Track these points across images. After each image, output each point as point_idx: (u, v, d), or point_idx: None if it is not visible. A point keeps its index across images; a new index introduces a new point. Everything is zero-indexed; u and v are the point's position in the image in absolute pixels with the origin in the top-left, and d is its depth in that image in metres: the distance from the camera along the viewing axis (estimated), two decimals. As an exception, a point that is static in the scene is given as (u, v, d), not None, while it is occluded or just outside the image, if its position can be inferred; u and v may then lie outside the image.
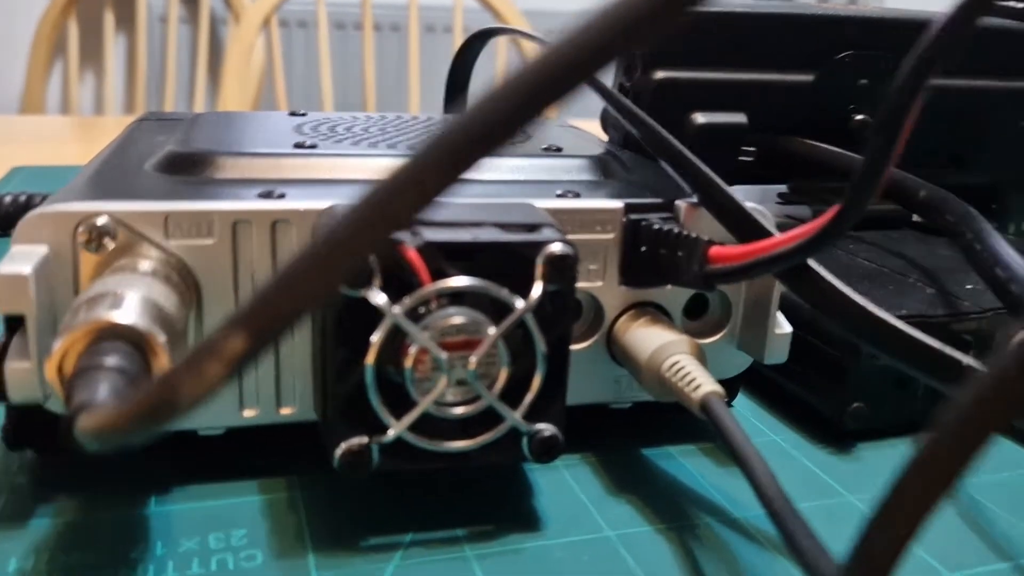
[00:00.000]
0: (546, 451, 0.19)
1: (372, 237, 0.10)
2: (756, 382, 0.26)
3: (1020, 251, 0.24)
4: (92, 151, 0.26)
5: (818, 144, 0.32)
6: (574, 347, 0.22)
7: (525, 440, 0.19)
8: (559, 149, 0.25)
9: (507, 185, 0.22)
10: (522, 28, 0.32)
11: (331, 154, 0.23)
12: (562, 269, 0.18)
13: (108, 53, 1.37)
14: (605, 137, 0.33)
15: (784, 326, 0.22)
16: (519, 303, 0.18)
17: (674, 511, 0.20)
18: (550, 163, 0.24)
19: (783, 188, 0.36)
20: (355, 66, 1.36)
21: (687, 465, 0.23)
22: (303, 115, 0.29)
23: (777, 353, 0.22)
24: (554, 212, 0.20)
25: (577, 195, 0.21)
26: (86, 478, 0.20)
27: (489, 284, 0.17)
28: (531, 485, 0.21)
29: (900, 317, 0.21)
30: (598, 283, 0.21)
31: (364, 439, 0.18)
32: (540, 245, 0.18)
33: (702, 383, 0.19)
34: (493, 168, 0.23)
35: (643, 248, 0.21)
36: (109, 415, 0.13)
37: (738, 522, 0.20)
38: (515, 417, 0.18)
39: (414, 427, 0.18)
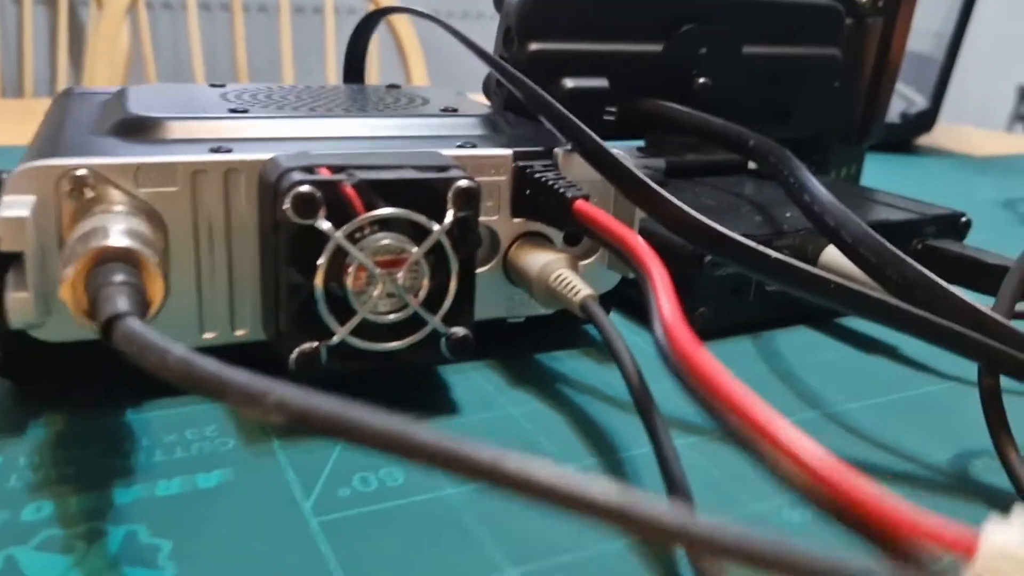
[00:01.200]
0: (461, 349, 0.24)
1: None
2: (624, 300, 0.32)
3: (826, 186, 0.30)
4: None
5: (669, 104, 0.38)
6: (477, 271, 0.26)
7: (444, 340, 0.23)
8: (455, 110, 0.30)
9: (417, 140, 0.27)
10: (413, 7, 0.36)
11: (263, 117, 0.27)
12: (468, 200, 0.22)
13: (-40, 35, 1.32)
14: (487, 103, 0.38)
15: (642, 246, 0.27)
16: (436, 227, 0.22)
17: (561, 394, 0.26)
18: (449, 121, 0.29)
19: (642, 143, 0.41)
20: (225, 47, 1.36)
21: (571, 363, 0.28)
22: (223, 86, 0.32)
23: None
24: (457, 158, 0.25)
25: (474, 145, 0.26)
26: (63, 401, 0.24)
27: (411, 212, 0.22)
28: (447, 382, 0.26)
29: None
30: (494, 217, 0.26)
31: (314, 343, 0.22)
32: (451, 181, 0.22)
33: (580, 289, 0.24)
34: (404, 127, 0.28)
35: (527, 191, 0.26)
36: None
37: (611, 398, 0.25)
38: (435, 321, 0.23)
39: (355, 332, 0.22)
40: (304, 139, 0.26)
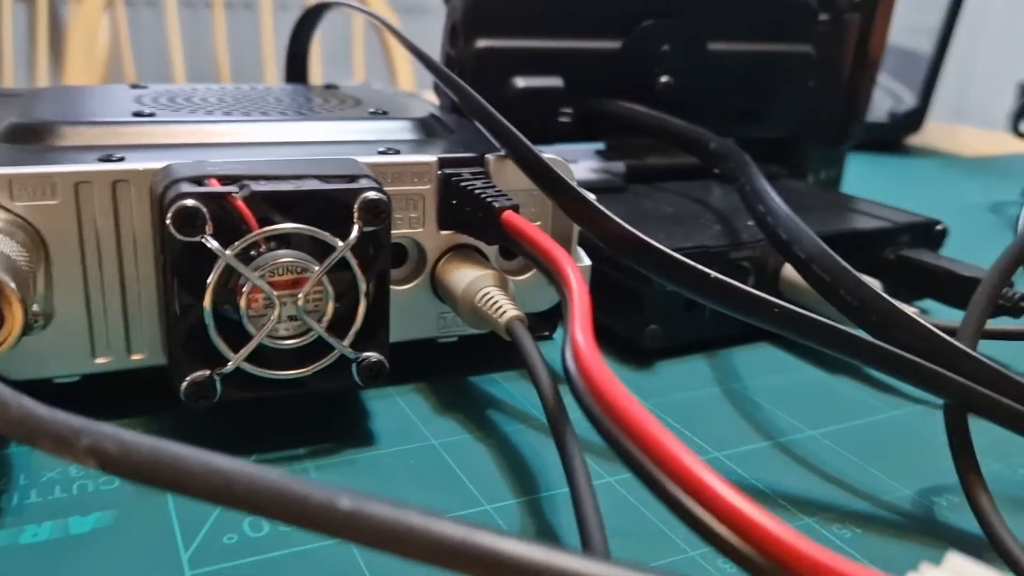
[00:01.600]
0: (373, 375, 0.21)
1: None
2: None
3: (797, 193, 0.28)
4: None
5: (626, 104, 0.35)
6: (402, 288, 0.24)
7: (354, 367, 0.21)
8: (385, 112, 0.28)
9: (335, 146, 0.25)
10: (354, 3, 0.34)
11: (168, 121, 0.24)
12: (376, 213, 0.20)
13: (-62, 32, 1.29)
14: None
15: (584, 259, 0.25)
16: (340, 243, 0.20)
17: (492, 422, 0.24)
18: (377, 125, 0.27)
19: (601, 146, 0.39)
20: (206, 44, 1.34)
21: (508, 386, 0.26)
22: (144, 88, 0.30)
23: (579, 284, 0.25)
24: (375, 166, 0.23)
25: (397, 152, 0.24)
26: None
27: (311, 228, 0.20)
28: (367, 410, 0.24)
29: (685, 248, 0.25)
30: (419, 229, 0.24)
31: (206, 372, 0.20)
32: (356, 192, 0.20)
33: (507, 310, 0.22)
34: (324, 132, 0.26)
35: (454, 201, 0.24)
36: None
37: (546, 427, 0.23)
38: (342, 346, 0.21)
39: (252, 358, 0.20)
40: (209, 145, 0.24)
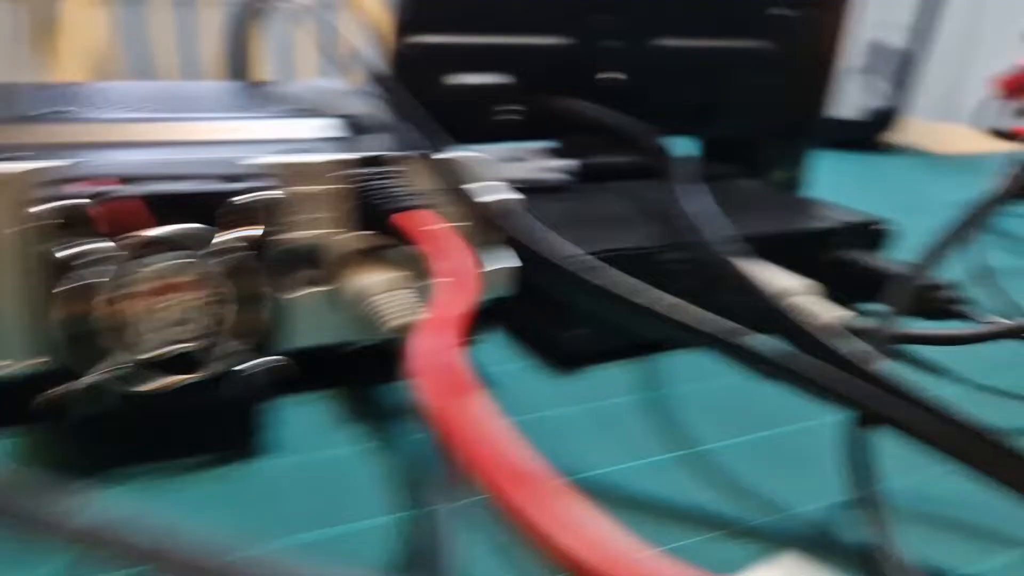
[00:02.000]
0: (263, 384, 0.21)
1: None
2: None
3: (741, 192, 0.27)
4: None
5: (570, 100, 0.35)
6: (309, 291, 0.24)
7: (242, 375, 0.21)
8: (311, 110, 0.27)
9: (241, 145, 0.24)
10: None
11: (75, 120, 0.24)
12: (254, 216, 0.20)
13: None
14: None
15: (510, 261, 0.24)
16: (214, 248, 0.19)
17: (392, 433, 0.23)
18: (296, 123, 0.26)
19: (555, 144, 0.38)
20: (191, 42, 1.33)
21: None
22: (54, 85, 0.30)
23: (503, 287, 0.25)
24: (273, 166, 0.22)
25: (308, 151, 0.23)
26: None
27: (186, 231, 0.19)
28: (269, 419, 0.23)
29: (601, 251, 0.24)
30: (325, 231, 0.23)
31: (67, 387, 0.19)
32: (235, 193, 0.19)
33: (393, 317, 0.21)
34: (233, 131, 0.25)
35: (360, 201, 0.23)
36: None
37: (453, 437, 0.23)
38: (225, 354, 0.20)
39: (124, 369, 0.19)
40: (96, 146, 0.23)
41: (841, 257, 0.31)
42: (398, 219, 0.21)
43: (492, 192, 0.24)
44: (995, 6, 1.80)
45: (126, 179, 0.19)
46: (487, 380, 0.26)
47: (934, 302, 0.28)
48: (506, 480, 0.12)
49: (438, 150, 0.22)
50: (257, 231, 0.20)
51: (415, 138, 0.25)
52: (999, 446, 0.17)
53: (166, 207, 0.19)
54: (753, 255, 0.29)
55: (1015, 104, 0.44)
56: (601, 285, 0.20)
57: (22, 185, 0.20)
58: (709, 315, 0.19)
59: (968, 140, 0.81)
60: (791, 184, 0.48)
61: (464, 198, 0.22)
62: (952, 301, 0.28)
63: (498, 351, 0.28)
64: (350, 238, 0.23)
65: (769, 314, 0.20)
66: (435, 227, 0.21)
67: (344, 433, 0.23)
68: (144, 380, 0.20)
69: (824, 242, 0.31)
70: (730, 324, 0.18)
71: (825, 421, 0.24)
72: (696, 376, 0.27)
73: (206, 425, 0.23)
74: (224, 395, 0.20)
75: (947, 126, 0.85)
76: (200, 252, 0.19)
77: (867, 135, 0.71)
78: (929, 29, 0.66)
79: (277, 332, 0.21)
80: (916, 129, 0.81)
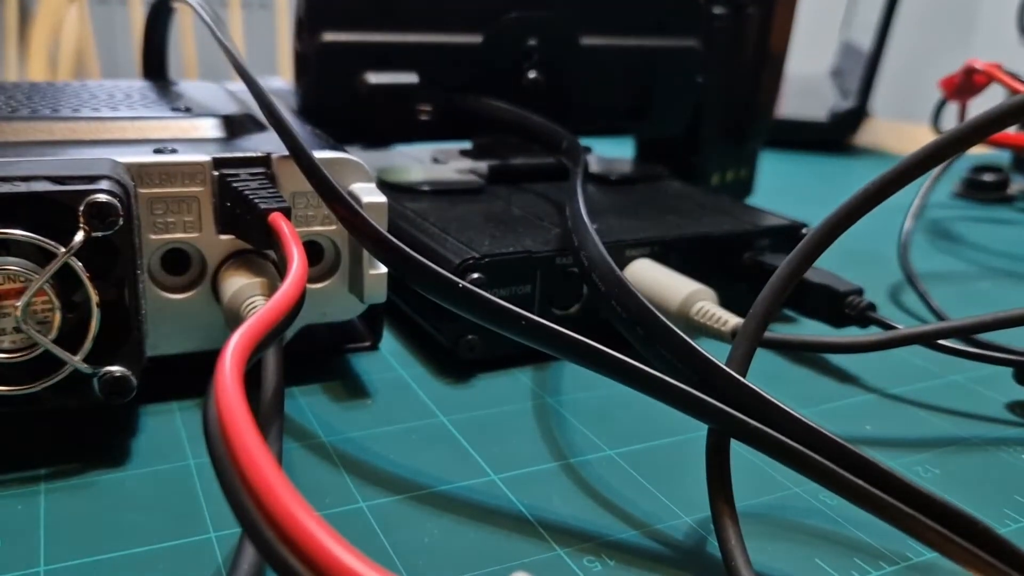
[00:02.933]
0: (118, 392, 0.20)
1: None
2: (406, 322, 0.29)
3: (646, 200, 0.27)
4: None
5: (488, 101, 0.34)
6: (182, 296, 0.23)
7: (95, 382, 0.20)
8: (188, 110, 0.26)
9: (106, 144, 0.23)
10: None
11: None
12: (105, 217, 0.19)
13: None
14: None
15: (379, 267, 0.24)
16: (61, 249, 0.19)
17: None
18: (171, 124, 0.25)
19: (467, 144, 0.38)
20: (173, 42, 1.32)
21: (302, 401, 0.24)
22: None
23: (375, 293, 0.24)
24: (137, 166, 0.21)
25: (175, 151, 0.23)
26: None
27: (29, 233, 0.18)
28: (135, 427, 0.22)
29: (505, 253, 0.24)
30: (195, 233, 0.23)
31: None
32: (82, 195, 0.19)
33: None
34: (98, 131, 0.24)
35: (228, 203, 0.22)
36: None
37: (324, 445, 0.22)
38: (74, 360, 0.19)
39: (-26, 373, 0.19)
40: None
41: (760, 261, 0.30)
42: (267, 220, 0.20)
43: (365, 194, 0.23)
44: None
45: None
46: (372, 388, 0.25)
47: (844, 309, 0.27)
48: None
49: (305, 151, 0.22)
50: (101, 232, 0.19)
51: (290, 138, 0.24)
52: (858, 463, 0.16)
53: (8, 206, 0.18)
54: (655, 256, 0.28)
55: (956, 105, 0.43)
56: (465, 294, 0.19)
57: None
58: (567, 332, 0.18)
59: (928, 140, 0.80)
60: (740, 185, 0.48)
61: (333, 200, 0.21)
62: (861, 308, 0.27)
63: (387, 358, 0.27)
64: (216, 240, 0.23)
65: (642, 320, 0.19)
66: (285, 231, 0.20)
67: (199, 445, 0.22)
68: (10, 381, 0.19)
69: (745, 246, 0.30)
70: (585, 341, 0.18)
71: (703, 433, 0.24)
72: (584, 385, 0.26)
73: (74, 431, 0.22)
74: (78, 401, 0.20)
75: (909, 127, 0.84)
76: (23, 258, 0.19)
77: (837, 136, 0.70)
78: (886, 32, 0.65)
79: (134, 338, 0.20)
80: (880, 129, 0.80)
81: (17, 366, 0.19)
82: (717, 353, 0.19)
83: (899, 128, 0.83)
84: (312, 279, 0.24)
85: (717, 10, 0.42)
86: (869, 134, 0.73)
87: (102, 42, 1.32)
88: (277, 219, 0.21)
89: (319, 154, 0.23)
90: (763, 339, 0.22)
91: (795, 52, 0.50)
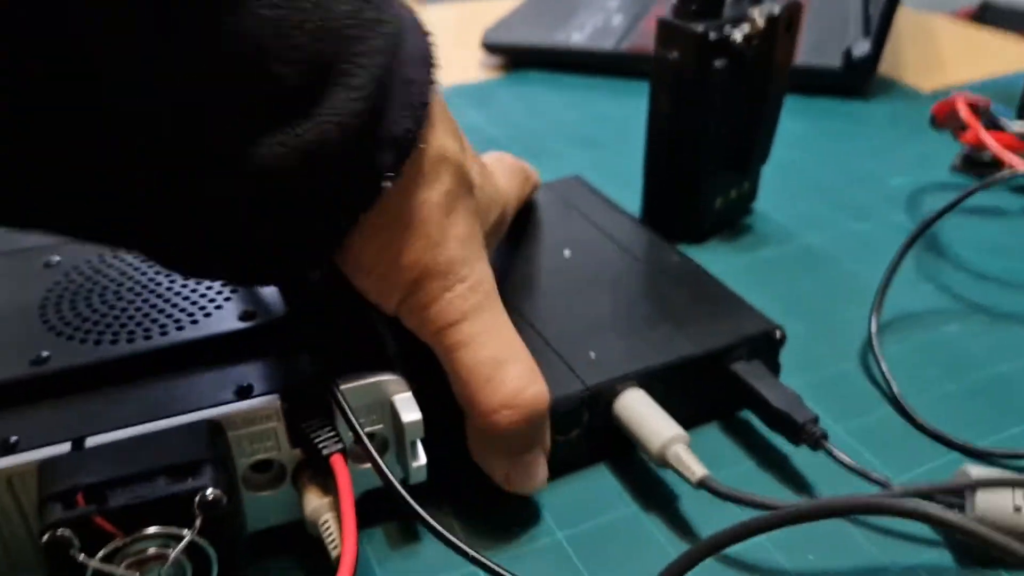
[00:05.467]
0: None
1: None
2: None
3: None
4: None
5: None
6: (270, 493, 0.29)
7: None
8: (253, 314, 0.32)
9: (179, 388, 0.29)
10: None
11: None
12: (217, 504, 0.25)
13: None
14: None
15: (421, 459, 0.30)
16: (186, 533, 0.25)
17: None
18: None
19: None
20: None
21: None
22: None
23: (417, 475, 0.30)
24: (226, 419, 0.27)
25: (251, 388, 0.28)
26: None
27: (161, 528, 0.25)
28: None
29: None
30: (274, 453, 0.29)
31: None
32: (195, 492, 0.25)
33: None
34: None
35: (299, 426, 0.28)
36: None
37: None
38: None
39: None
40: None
41: (734, 372, 0.35)
42: (333, 461, 0.27)
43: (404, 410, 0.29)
44: None
45: (104, 485, 0.24)
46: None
47: (801, 434, 0.33)
48: None
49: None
50: (213, 514, 0.25)
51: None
52: None
53: (139, 513, 0.25)
54: (641, 384, 0.33)
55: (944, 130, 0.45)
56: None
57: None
58: None
59: (951, 66, 0.79)
60: (744, 199, 0.51)
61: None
62: (816, 437, 0.32)
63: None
64: (292, 453, 0.29)
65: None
66: (346, 479, 0.26)
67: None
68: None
69: (727, 359, 0.35)
70: None
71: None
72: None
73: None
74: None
75: (944, 21, 0.83)
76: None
77: (846, 85, 0.70)
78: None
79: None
80: (910, 34, 0.80)
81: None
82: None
83: (922, 18, 0.82)
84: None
85: (718, 63, 0.44)
86: (888, 64, 0.73)
87: None
88: (337, 461, 0.27)
89: (363, 380, 0.29)
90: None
91: None
